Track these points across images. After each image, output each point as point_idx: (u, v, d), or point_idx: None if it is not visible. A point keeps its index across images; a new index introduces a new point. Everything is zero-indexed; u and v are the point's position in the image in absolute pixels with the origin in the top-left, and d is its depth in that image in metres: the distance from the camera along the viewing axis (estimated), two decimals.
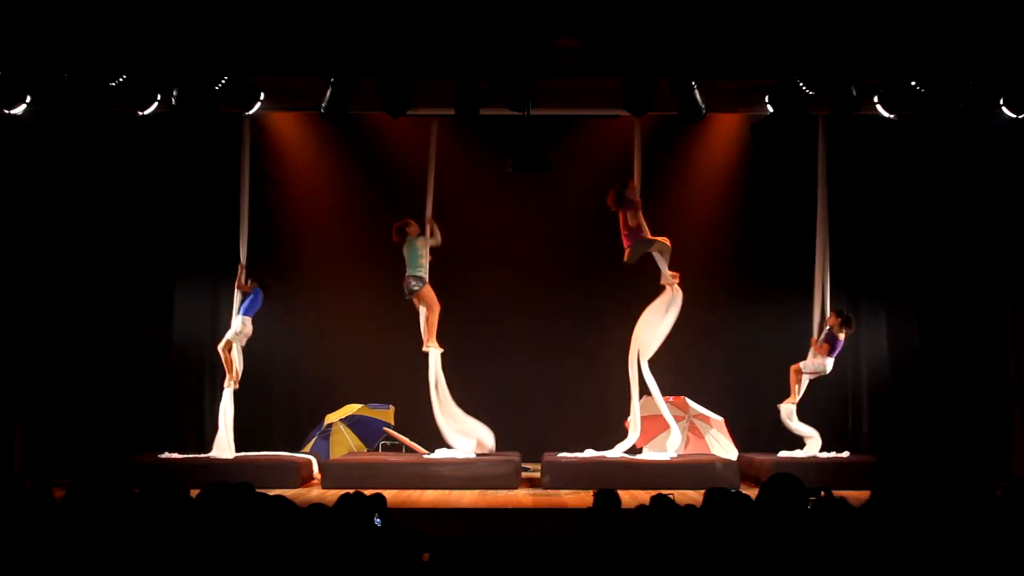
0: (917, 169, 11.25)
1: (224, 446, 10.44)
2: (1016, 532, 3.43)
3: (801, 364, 10.64)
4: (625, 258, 10.43)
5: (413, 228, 10.50)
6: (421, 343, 10.52)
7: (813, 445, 10.60)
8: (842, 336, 10.49)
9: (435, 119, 10.52)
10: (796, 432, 10.67)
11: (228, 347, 10.58)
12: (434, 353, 10.46)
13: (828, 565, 3.41)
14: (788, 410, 10.67)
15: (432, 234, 10.61)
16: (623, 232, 10.40)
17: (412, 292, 10.40)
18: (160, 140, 11.07)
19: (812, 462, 10.27)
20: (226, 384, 10.59)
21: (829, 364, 10.54)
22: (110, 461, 10.18)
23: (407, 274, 10.41)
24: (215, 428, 10.60)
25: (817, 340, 10.57)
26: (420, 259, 10.39)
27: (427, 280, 10.39)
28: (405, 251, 10.46)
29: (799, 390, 10.66)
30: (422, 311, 10.51)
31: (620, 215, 10.40)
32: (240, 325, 10.57)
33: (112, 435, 11.04)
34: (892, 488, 2.40)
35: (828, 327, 10.51)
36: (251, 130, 10.73)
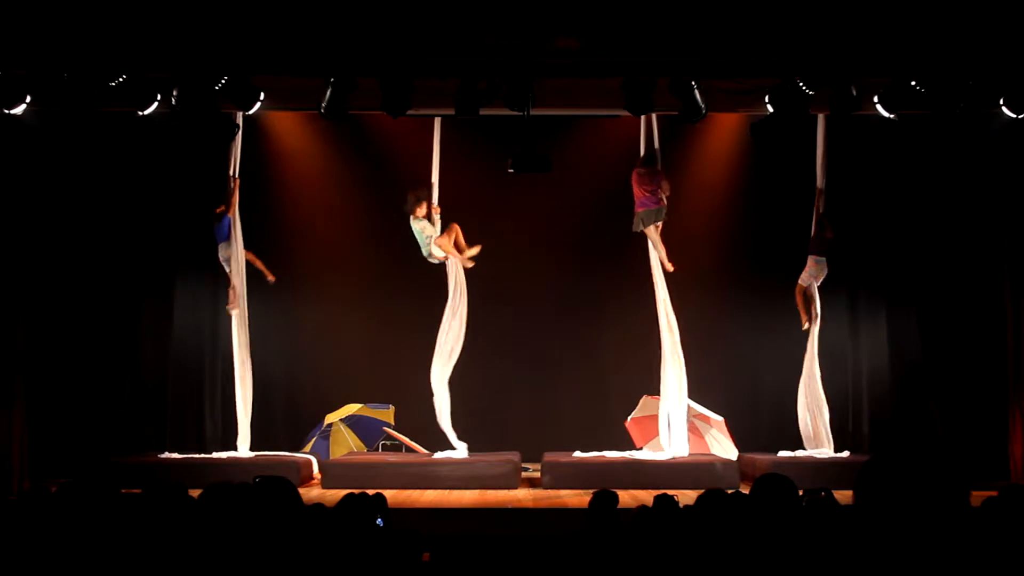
0: (917, 169, 11.24)
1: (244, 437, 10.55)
2: (1009, 536, 3.43)
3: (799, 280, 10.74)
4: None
5: (419, 208, 10.48)
6: (422, 343, 10.51)
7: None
8: (826, 235, 10.59)
9: (437, 117, 10.50)
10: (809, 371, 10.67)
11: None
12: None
13: (820, 565, 3.41)
14: (812, 337, 10.69)
15: (433, 223, 10.59)
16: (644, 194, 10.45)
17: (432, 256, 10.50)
18: (160, 140, 11.06)
19: (811, 462, 10.27)
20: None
21: (821, 263, 10.62)
22: (110, 461, 10.19)
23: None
24: (215, 427, 10.59)
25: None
26: (424, 241, 10.44)
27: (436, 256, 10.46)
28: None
29: (812, 310, 10.66)
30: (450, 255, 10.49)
31: (640, 181, 10.44)
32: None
33: (112, 435, 11.04)
34: (876, 493, 2.41)
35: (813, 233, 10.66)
36: (251, 130, 10.72)
